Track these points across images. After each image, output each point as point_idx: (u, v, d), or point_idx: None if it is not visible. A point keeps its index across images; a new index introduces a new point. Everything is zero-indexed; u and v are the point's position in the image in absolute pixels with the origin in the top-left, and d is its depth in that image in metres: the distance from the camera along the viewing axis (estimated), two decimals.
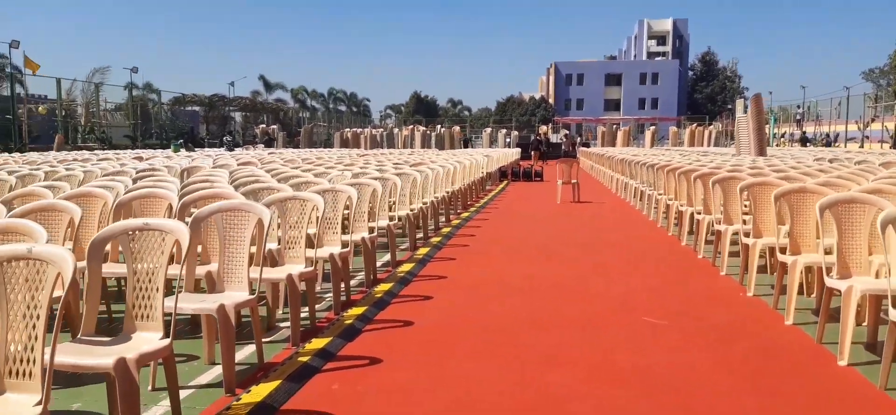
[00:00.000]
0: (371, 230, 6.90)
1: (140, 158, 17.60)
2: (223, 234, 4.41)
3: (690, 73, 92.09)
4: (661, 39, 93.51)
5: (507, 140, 52.03)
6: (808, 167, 10.12)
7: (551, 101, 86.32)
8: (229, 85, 47.70)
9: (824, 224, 4.62)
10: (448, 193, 12.35)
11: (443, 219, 11.60)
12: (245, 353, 4.56)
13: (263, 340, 4.56)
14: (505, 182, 22.91)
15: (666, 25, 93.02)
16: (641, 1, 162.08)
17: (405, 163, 13.61)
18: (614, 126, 55.59)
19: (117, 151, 23.70)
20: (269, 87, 63.42)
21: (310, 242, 5.53)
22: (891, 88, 48.45)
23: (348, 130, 54.76)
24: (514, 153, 34.33)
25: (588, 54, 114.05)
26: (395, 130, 53.17)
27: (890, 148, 33.37)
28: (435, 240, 9.53)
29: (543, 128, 54.52)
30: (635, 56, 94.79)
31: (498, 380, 4.13)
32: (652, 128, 57.64)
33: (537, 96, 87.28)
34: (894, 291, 3.78)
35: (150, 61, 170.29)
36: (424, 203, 10.20)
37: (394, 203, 8.88)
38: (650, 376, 4.16)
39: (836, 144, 39.65)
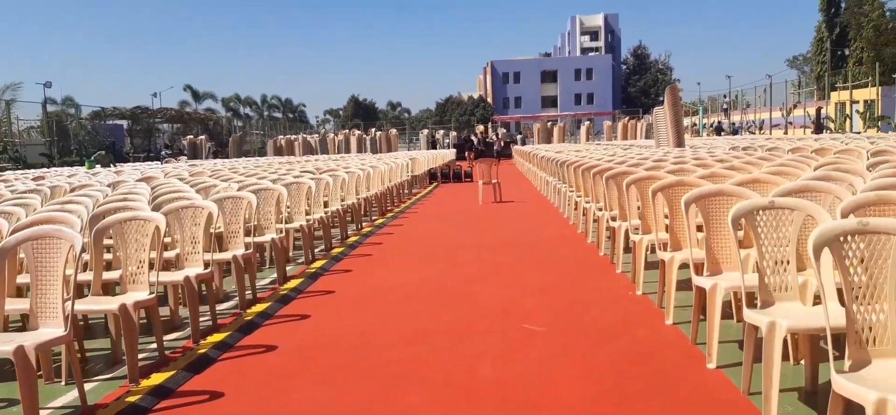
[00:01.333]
0: (247, 246, 6.47)
1: (41, 178, 16.62)
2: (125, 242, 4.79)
3: (624, 67, 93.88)
4: (594, 35, 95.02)
5: (447, 141, 51.96)
6: (715, 158, 10.11)
7: (490, 99, 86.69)
8: (152, 96, 46.05)
9: (690, 219, 4.44)
10: (360, 198, 11.98)
11: (354, 226, 11.21)
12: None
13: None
14: (434, 184, 22.65)
15: (597, 21, 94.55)
16: None
17: (317, 169, 13.19)
18: (550, 123, 56.00)
19: (25, 172, 22.46)
20: (197, 96, 61.72)
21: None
22: (813, 74, 50.18)
23: (282, 137, 53.68)
24: (450, 154, 34.18)
25: (524, 52, 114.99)
26: (329, 136, 52.36)
27: (812, 133, 34.57)
28: (336, 250, 9.13)
29: (481, 127, 54.51)
30: (570, 52, 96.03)
31: (345, 406, 3.79)
32: (587, 123, 58.45)
33: (476, 96, 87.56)
34: (747, 289, 3.60)
35: (69, 76, 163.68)
36: (326, 212, 9.81)
37: (284, 215, 8.47)
38: (508, 390, 3.88)
39: (752, 132, 40.85)
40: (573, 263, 7.67)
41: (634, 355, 4.40)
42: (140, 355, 4.77)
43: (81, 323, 5.61)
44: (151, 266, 4.98)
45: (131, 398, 3.98)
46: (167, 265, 6.13)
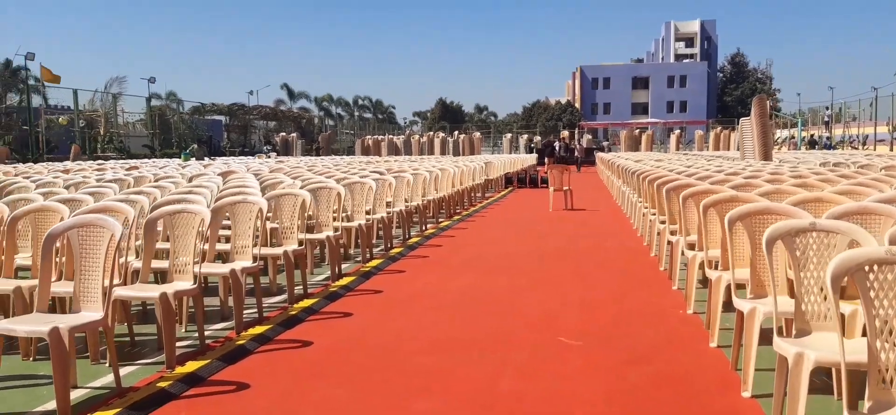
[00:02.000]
0: (300, 243, 6.63)
1: (135, 168, 17.68)
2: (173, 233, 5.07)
3: (720, 75, 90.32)
4: (689, 41, 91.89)
5: (531, 146, 51.56)
6: (801, 173, 9.55)
7: (577, 105, 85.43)
8: (248, 94, 48.01)
9: (734, 237, 4.20)
10: (426, 200, 12.06)
11: (418, 228, 11.30)
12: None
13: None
14: (510, 189, 22.53)
15: (693, 27, 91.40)
16: (669, 3, 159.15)
17: (389, 170, 13.38)
18: (638, 130, 54.59)
19: (126, 162, 23.92)
20: (292, 95, 63.91)
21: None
22: None
23: (369, 137, 54.91)
24: (530, 159, 33.89)
25: (615, 57, 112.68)
26: (414, 137, 53.05)
27: None
28: (395, 251, 9.22)
29: (565, 133, 53.76)
30: (663, 59, 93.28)
31: (358, 409, 3.81)
32: (677, 131, 56.63)
33: (563, 101, 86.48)
34: (783, 315, 3.37)
35: (172, 71, 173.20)
36: (389, 212, 9.93)
37: (344, 213, 8.63)
38: (522, 405, 3.79)
39: (855, 147, 38.30)
40: (629, 277, 7.43)
41: (667, 378, 4.21)
42: (186, 343, 5.00)
43: (138, 308, 5.94)
44: (204, 257, 5.23)
45: (162, 383, 4.15)
46: (224, 257, 6.37)
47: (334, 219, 7.73)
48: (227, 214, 6.02)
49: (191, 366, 4.48)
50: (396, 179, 10.63)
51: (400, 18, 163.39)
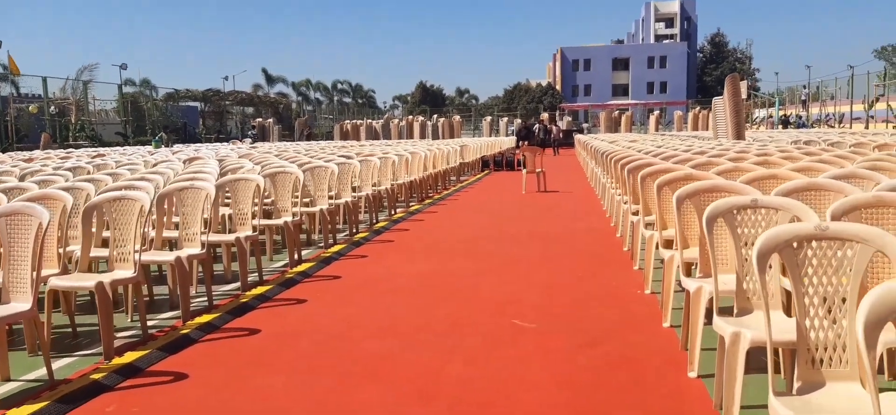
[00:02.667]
0: (254, 228, 6.48)
1: (100, 155, 17.34)
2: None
3: (700, 55, 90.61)
4: (669, 22, 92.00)
5: (510, 128, 51.44)
6: (766, 151, 9.53)
7: (558, 87, 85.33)
8: (223, 79, 47.40)
9: (681, 216, 4.12)
10: (395, 184, 11.92)
11: (386, 212, 11.18)
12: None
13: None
14: (486, 171, 22.44)
15: (673, 7, 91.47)
16: None
17: (358, 154, 13.21)
18: (618, 112, 54.66)
19: (97, 149, 23.51)
20: (270, 80, 63.18)
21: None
22: None
23: (348, 122, 54.47)
24: (508, 142, 33.81)
25: (596, 39, 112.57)
26: (393, 121, 52.78)
27: (895, 128, 32.38)
28: (360, 235, 9.09)
29: (545, 115, 53.66)
30: (643, 39, 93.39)
31: (297, 398, 3.69)
32: (656, 112, 56.76)
33: (544, 83, 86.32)
34: (723, 293, 3.29)
35: (148, 57, 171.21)
36: (354, 197, 9.79)
37: (307, 198, 8.48)
38: (468, 391, 3.70)
39: (831, 125, 38.62)
40: (593, 258, 7.36)
41: (617, 360, 4.13)
42: (129, 332, 4.87)
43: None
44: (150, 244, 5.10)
45: (96, 375, 4.01)
46: (170, 243, 6.22)
47: (294, 204, 7.58)
48: (175, 200, 5.86)
49: (129, 357, 4.35)
50: (362, 163, 10.48)
51: (380, 1, 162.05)
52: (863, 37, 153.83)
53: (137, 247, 4.77)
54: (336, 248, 8.14)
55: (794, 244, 2.42)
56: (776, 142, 14.46)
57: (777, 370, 3.66)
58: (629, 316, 5.07)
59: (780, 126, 39.99)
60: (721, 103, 16.81)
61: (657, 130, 50.29)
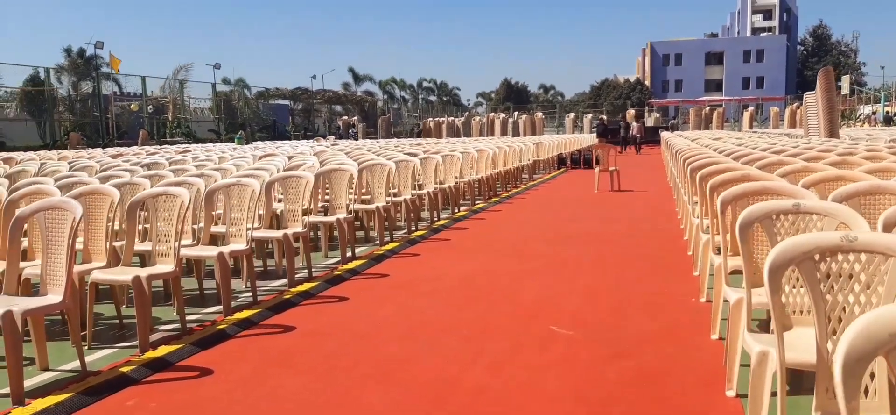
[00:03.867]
0: (304, 225, 6.52)
1: (187, 151, 18.16)
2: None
3: (800, 48, 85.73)
4: (768, 14, 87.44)
5: (594, 125, 50.40)
6: (848, 151, 8.81)
7: (647, 82, 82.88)
8: (311, 78, 48.62)
9: (725, 220, 3.79)
10: (460, 182, 11.81)
11: (448, 211, 11.09)
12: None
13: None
14: (562, 169, 22.00)
15: None
16: None
17: (426, 151, 13.20)
18: (708, 108, 52.48)
19: (190, 145, 24.64)
20: (357, 79, 64.43)
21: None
22: None
23: (431, 119, 54.92)
24: (591, 139, 33.07)
25: (688, 32, 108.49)
26: (474, 119, 52.77)
27: None
28: (418, 234, 9.03)
29: (631, 112, 52.23)
30: (739, 32, 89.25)
31: (311, 398, 3.64)
32: (750, 109, 54.14)
33: (632, 79, 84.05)
34: (759, 304, 2.98)
35: (240, 58, 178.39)
36: (413, 194, 9.74)
37: (365, 195, 8.50)
38: (482, 401, 3.53)
39: None
40: (651, 262, 6.99)
41: (648, 374, 3.85)
42: (173, 326, 4.97)
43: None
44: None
45: (126, 368, 4.10)
46: (214, 239, 6.33)
47: (352, 201, 7.61)
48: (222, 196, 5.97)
49: (162, 350, 4.43)
50: (424, 161, 10.42)
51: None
52: None
53: (177, 242, 4.87)
54: (391, 245, 8.11)
55: (816, 257, 2.13)
56: (875, 140, 13.41)
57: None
58: (674, 326, 4.75)
59: (883, 123, 37.18)
60: (813, 99, 15.74)
61: (751, 127, 47.92)
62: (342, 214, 7.41)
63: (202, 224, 5.87)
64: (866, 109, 50.51)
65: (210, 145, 22.66)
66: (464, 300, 5.63)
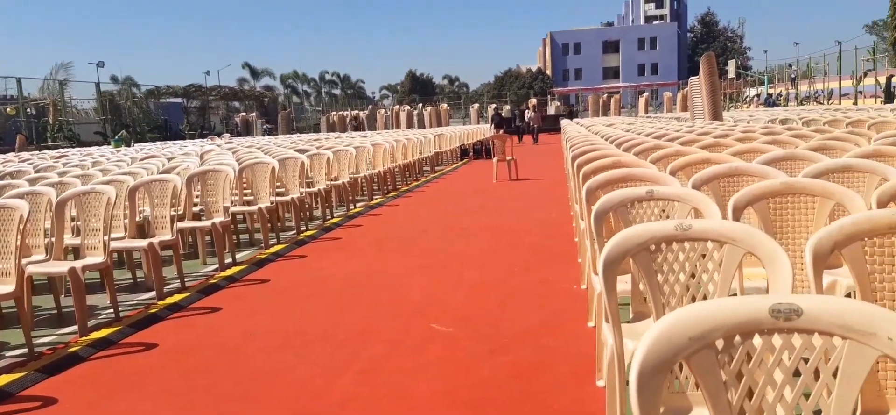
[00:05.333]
0: (175, 232, 6.10)
1: (62, 156, 16.93)
2: None
3: (690, 35, 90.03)
4: (659, 2, 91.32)
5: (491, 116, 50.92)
6: (722, 132, 9.18)
7: (549, 72, 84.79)
8: (205, 74, 46.83)
9: (590, 207, 3.75)
10: (354, 177, 11.54)
11: (343, 208, 10.81)
12: None
13: None
14: (465, 160, 22.06)
15: None
16: None
17: (320, 146, 12.84)
18: (605, 95, 54.23)
19: (68, 150, 23.05)
20: (255, 74, 62.59)
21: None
22: (889, 40, 46.53)
23: (334, 113, 54.02)
24: (491, 130, 33.34)
25: (586, 22, 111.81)
26: (378, 112, 52.35)
27: (882, 103, 31.98)
28: (307, 233, 8.72)
29: (533, 100, 53.20)
30: (633, 21, 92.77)
31: None
32: (645, 94, 56.31)
33: (534, 68, 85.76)
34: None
35: (125, 55, 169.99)
36: (302, 192, 9.41)
37: (247, 196, 8.12)
38: (344, 412, 3.35)
39: (820, 102, 38.22)
40: (538, 252, 7.01)
41: (524, 369, 3.77)
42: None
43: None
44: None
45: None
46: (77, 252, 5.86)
47: (233, 203, 7.21)
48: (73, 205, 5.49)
49: (2, 380, 3.99)
50: (312, 158, 10.10)
51: None
52: (856, 11, 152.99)
53: (17, 258, 4.40)
54: (276, 248, 7.78)
55: (652, 247, 2.06)
56: (754, 121, 14.11)
57: None
58: (553, 316, 4.71)
59: (764, 105, 39.56)
60: (697, 83, 16.42)
61: (646, 112, 49.84)
62: (219, 218, 7.01)
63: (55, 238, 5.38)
64: (752, 92, 53.56)
65: (91, 149, 21.28)
66: (346, 303, 5.42)
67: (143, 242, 5.83)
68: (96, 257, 5.20)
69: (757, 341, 1.21)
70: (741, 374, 1.22)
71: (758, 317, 1.19)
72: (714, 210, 2.86)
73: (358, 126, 46.68)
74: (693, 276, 2.04)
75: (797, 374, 1.22)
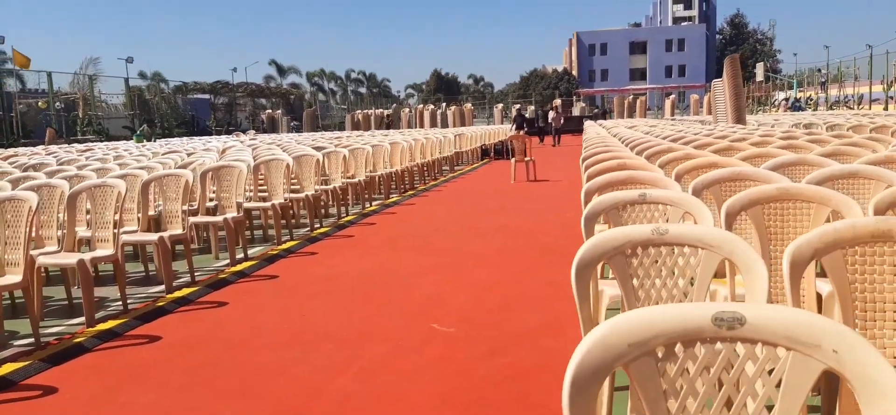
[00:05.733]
0: (186, 226, 6.18)
1: (89, 149, 17.24)
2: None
3: (719, 37, 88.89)
4: (687, 3, 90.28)
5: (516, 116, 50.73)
6: (740, 136, 9.04)
7: (574, 72, 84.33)
8: (232, 71, 47.30)
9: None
10: (371, 176, 11.59)
11: (358, 206, 10.86)
12: None
13: None
14: (485, 160, 22.03)
15: None
16: None
17: (339, 144, 12.91)
18: (631, 96, 53.77)
19: (95, 144, 23.48)
20: (282, 71, 63.12)
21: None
22: None
23: (359, 111, 54.30)
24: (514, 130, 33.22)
25: (613, 23, 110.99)
26: (403, 111, 52.48)
27: None
28: (321, 231, 8.77)
29: (557, 102, 52.92)
30: (661, 22, 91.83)
31: (160, 413, 3.39)
32: (671, 96, 55.72)
33: (560, 69, 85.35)
34: (614, 296, 2.90)
35: (155, 51, 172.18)
36: (317, 190, 9.47)
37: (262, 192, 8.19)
38: (341, 411, 3.36)
39: (850, 107, 37.47)
40: (552, 253, 6.96)
41: (520, 372, 3.76)
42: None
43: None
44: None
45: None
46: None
47: (248, 199, 7.29)
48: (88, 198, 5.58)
49: (7, 368, 4.07)
50: (329, 155, 10.16)
51: None
52: (886, 14, 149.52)
53: (26, 249, 4.49)
54: (288, 244, 7.84)
55: (628, 251, 2.04)
56: (778, 126, 13.90)
57: None
58: (555, 318, 4.69)
59: (791, 109, 38.90)
60: (720, 86, 16.20)
61: (673, 114, 49.32)
62: (232, 213, 7.09)
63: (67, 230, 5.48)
64: (780, 96, 52.74)
65: (117, 143, 21.64)
66: (353, 301, 5.44)
67: (154, 236, 5.92)
68: (106, 250, 5.29)
69: (700, 349, 1.19)
70: (681, 383, 1.20)
71: (700, 325, 1.17)
72: (707, 215, 2.82)
73: (390, 124, 46.87)
74: (681, 279, 2.02)
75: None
